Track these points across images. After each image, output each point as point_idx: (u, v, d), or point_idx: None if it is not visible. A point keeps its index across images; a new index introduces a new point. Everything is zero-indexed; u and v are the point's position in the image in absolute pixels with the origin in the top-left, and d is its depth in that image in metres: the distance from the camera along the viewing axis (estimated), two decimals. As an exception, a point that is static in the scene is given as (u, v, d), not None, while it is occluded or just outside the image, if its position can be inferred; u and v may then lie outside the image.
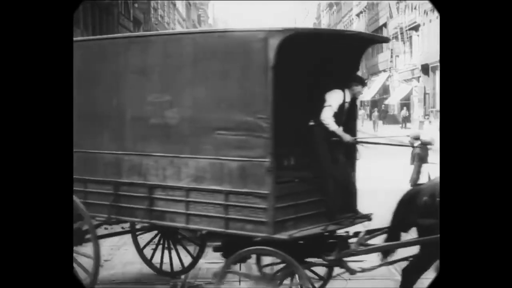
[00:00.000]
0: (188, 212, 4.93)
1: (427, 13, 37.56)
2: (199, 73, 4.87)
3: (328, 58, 5.28)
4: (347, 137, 5.18)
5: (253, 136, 4.55)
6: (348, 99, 5.26)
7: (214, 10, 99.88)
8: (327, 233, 5.07)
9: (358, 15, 61.24)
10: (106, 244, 8.21)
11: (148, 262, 6.64)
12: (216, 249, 5.31)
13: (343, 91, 5.22)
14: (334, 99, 5.16)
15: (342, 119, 5.20)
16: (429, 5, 35.09)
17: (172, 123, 4.99)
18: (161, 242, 6.60)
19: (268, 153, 4.48)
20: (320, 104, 5.17)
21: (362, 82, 5.48)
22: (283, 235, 4.59)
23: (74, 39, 5.17)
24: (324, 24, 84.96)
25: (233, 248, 5.03)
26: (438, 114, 31.32)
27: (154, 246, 6.65)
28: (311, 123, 5.16)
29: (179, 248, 6.65)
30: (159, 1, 50.22)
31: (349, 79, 5.29)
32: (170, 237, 6.54)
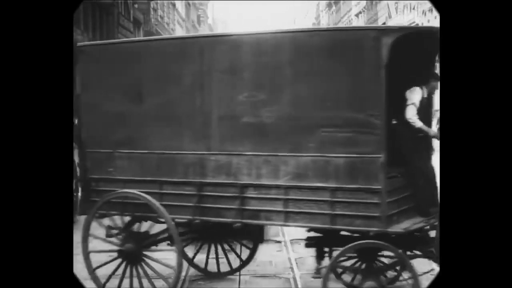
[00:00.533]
0: (287, 210, 4.88)
1: (425, 13, 37.72)
2: (300, 71, 4.82)
3: (408, 55, 5.21)
4: (432, 132, 5.27)
5: (363, 133, 4.56)
6: (425, 95, 5.33)
7: (214, 10, 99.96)
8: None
9: (357, 15, 61.30)
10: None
11: (202, 269, 6.47)
12: (308, 245, 5.39)
13: (421, 88, 5.29)
14: (416, 96, 5.22)
15: (422, 115, 5.26)
16: (427, 5, 35.24)
17: (268, 122, 4.91)
18: (200, 244, 6.47)
19: (382, 149, 4.52)
20: (399, 101, 5.17)
21: (439, 78, 5.47)
22: (397, 228, 4.63)
23: (151, 37, 5.14)
24: (323, 24, 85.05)
25: (326, 243, 5.18)
26: (436, 113, 31.48)
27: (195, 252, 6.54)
28: (394, 122, 5.19)
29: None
30: (158, 1, 50.30)
31: (427, 75, 5.33)
32: (218, 240, 6.39)
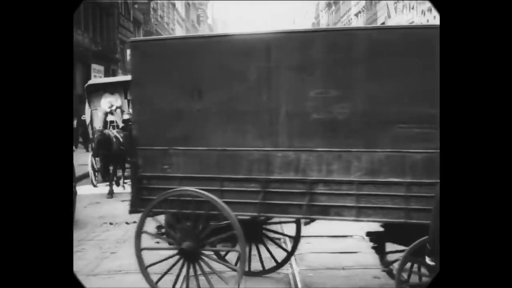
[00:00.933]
0: (360, 205, 4.90)
1: (424, 13, 37.81)
2: (375, 68, 4.85)
3: None
4: None
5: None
6: None
7: (213, 10, 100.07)
8: None
9: (356, 15, 61.39)
10: (111, 239, 8.48)
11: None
12: (372, 240, 5.47)
13: None
14: None
15: None
16: (426, 5, 35.32)
17: (341, 118, 4.92)
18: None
19: None
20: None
21: None
22: None
23: (212, 34, 5.04)
24: (323, 24, 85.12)
25: (387, 238, 5.25)
26: (436, 113, 31.52)
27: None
28: None
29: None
30: (158, 1, 50.41)
31: None
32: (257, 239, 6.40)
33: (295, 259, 6.97)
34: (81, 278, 6.54)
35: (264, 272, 6.42)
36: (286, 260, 6.51)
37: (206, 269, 5.51)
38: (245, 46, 5.28)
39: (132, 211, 5.72)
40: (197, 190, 5.27)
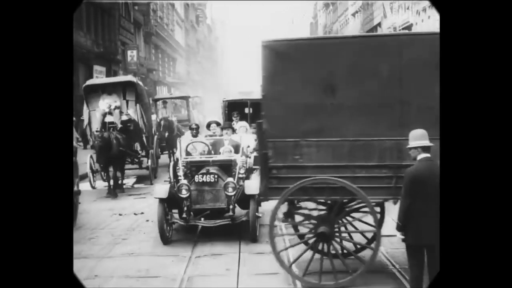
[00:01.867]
0: None
1: (419, 13, 38.44)
2: None
3: None
4: None
5: None
6: None
7: (212, 11, 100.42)
8: None
9: (353, 14, 61.92)
10: (122, 227, 9.07)
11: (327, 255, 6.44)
12: None
13: None
14: None
15: None
16: (421, 6, 35.94)
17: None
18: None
19: None
20: None
21: None
22: None
23: (345, 35, 5.37)
24: (321, 23, 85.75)
25: None
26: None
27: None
28: None
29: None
30: (158, 1, 50.91)
31: None
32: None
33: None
34: (97, 260, 7.25)
35: (356, 251, 6.66)
36: (373, 239, 6.66)
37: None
38: (378, 46, 5.82)
39: (263, 199, 6.19)
40: (338, 179, 5.71)
